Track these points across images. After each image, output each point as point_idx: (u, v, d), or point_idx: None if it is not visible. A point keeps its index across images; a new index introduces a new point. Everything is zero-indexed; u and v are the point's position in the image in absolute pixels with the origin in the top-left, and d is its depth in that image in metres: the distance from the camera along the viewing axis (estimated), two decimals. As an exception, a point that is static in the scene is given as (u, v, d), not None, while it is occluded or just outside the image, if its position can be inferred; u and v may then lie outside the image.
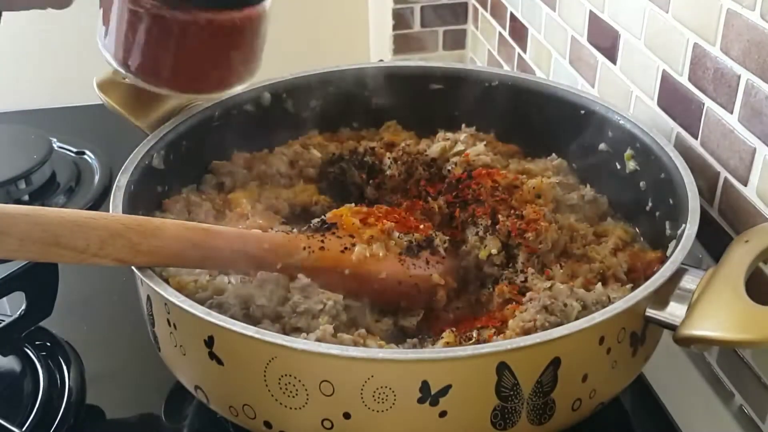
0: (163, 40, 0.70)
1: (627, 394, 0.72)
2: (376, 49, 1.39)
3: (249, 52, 0.74)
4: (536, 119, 0.86)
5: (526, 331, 0.62)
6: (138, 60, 0.72)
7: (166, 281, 0.63)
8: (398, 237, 0.71)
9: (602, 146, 0.81)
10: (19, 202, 0.99)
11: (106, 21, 0.72)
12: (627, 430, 0.73)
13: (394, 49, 1.27)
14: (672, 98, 0.78)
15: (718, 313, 0.58)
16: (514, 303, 0.67)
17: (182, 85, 0.74)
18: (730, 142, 0.70)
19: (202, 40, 0.70)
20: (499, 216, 0.73)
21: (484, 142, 0.85)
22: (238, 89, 0.77)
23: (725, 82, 0.69)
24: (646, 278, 0.64)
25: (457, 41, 1.29)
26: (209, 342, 0.59)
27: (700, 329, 0.58)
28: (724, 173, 0.71)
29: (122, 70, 0.73)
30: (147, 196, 0.74)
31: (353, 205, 0.75)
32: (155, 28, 0.69)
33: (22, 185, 1.01)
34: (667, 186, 0.72)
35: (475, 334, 0.66)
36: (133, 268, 0.62)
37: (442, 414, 0.57)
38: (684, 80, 0.75)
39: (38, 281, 0.77)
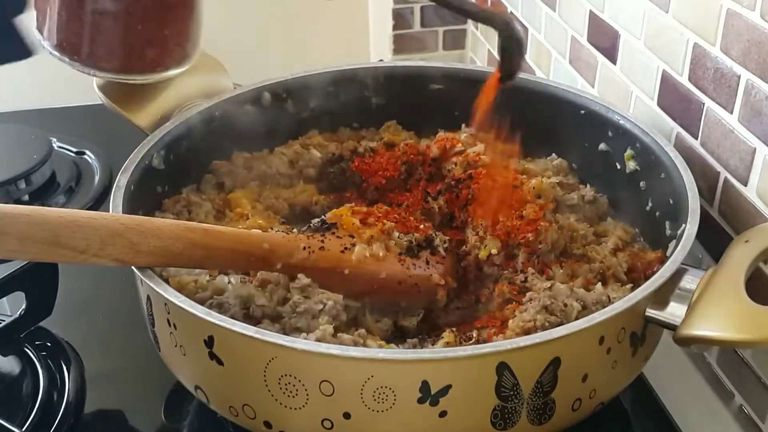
0: (97, 18, 0.71)
1: (627, 394, 0.72)
2: (376, 49, 1.39)
3: (183, 31, 0.76)
4: (536, 119, 0.86)
5: (526, 331, 0.62)
6: (74, 42, 0.73)
7: (166, 281, 0.63)
8: (398, 237, 0.71)
9: (602, 146, 0.81)
10: (19, 202, 0.99)
11: (40, 6, 0.74)
12: (627, 430, 0.73)
13: (394, 49, 1.27)
14: (672, 98, 0.78)
15: (718, 313, 0.58)
16: (514, 303, 0.67)
17: (119, 65, 0.75)
18: (730, 142, 0.70)
19: (135, 16, 0.72)
20: (500, 216, 0.73)
21: (484, 142, 0.84)
22: (173, 73, 0.78)
23: (725, 82, 0.69)
24: (646, 278, 0.64)
25: (457, 41, 1.29)
26: (209, 342, 0.59)
27: (700, 329, 0.58)
28: (724, 173, 0.71)
29: (58, 54, 0.74)
30: (147, 196, 0.74)
31: (353, 205, 0.75)
32: (89, 5, 0.71)
33: (22, 185, 1.01)
34: (667, 186, 0.72)
35: (475, 334, 0.66)
36: (133, 268, 0.62)
37: (442, 414, 0.57)
38: (684, 80, 0.75)
39: (38, 281, 0.77)
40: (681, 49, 0.75)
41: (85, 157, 1.09)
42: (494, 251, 0.72)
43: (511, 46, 0.67)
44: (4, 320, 0.78)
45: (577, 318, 0.63)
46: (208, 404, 0.64)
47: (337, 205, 0.78)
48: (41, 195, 1.01)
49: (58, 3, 0.72)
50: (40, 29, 0.74)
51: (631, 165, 0.78)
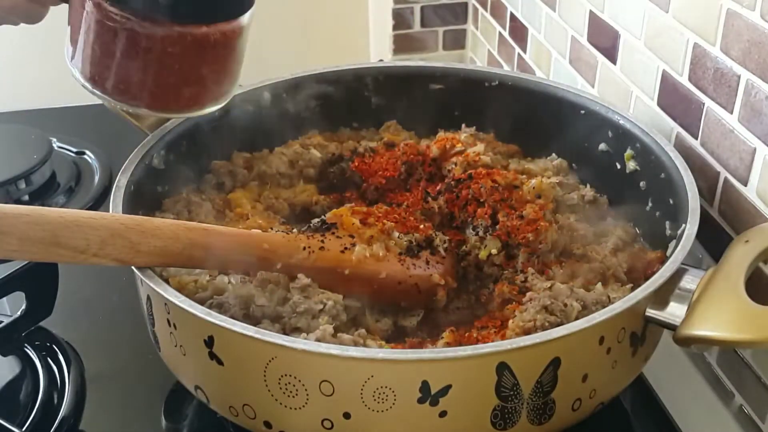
0: (132, 54, 0.67)
1: (627, 394, 0.72)
2: (376, 49, 1.39)
3: (222, 70, 0.71)
4: (536, 119, 0.86)
5: (526, 331, 0.62)
6: (106, 76, 0.69)
7: (166, 281, 0.63)
8: (398, 237, 0.71)
9: (602, 146, 0.81)
10: (19, 202, 0.99)
11: (74, 37, 0.70)
12: (627, 430, 0.73)
13: (394, 49, 1.27)
14: (672, 98, 0.78)
15: (718, 313, 0.58)
16: (514, 303, 0.67)
17: (152, 103, 0.71)
18: (730, 142, 0.70)
19: (172, 55, 0.67)
20: (499, 216, 0.73)
21: (484, 142, 0.85)
22: (210, 110, 0.73)
23: (725, 82, 0.69)
24: (646, 278, 0.64)
25: (457, 41, 1.29)
26: (209, 342, 0.59)
27: (700, 329, 0.58)
28: (724, 173, 0.71)
29: (90, 87, 0.70)
30: (147, 196, 0.74)
31: (353, 205, 0.75)
32: (123, 41, 0.67)
33: (22, 185, 1.01)
34: (667, 186, 0.72)
35: (475, 334, 0.66)
36: (133, 268, 0.62)
37: (442, 414, 0.57)
38: (684, 80, 0.75)
39: (38, 281, 0.77)
40: (681, 49, 0.75)
41: (85, 157, 1.09)
42: (494, 251, 0.72)
43: None
44: (4, 320, 0.78)
45: (577, 318, 0.63)
46: (208, 404, 0.64)
47: (337, 205, 0.78)
48: (41, 195, 1.01)
49: (92, 37, 0.68)
50: (71, 57, 0.71)
51: (631, 165, 0.78)
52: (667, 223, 0.73)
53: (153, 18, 0.66)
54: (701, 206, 0.67)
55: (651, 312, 0.61)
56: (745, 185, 0.69)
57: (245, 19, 0.69)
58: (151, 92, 0.70)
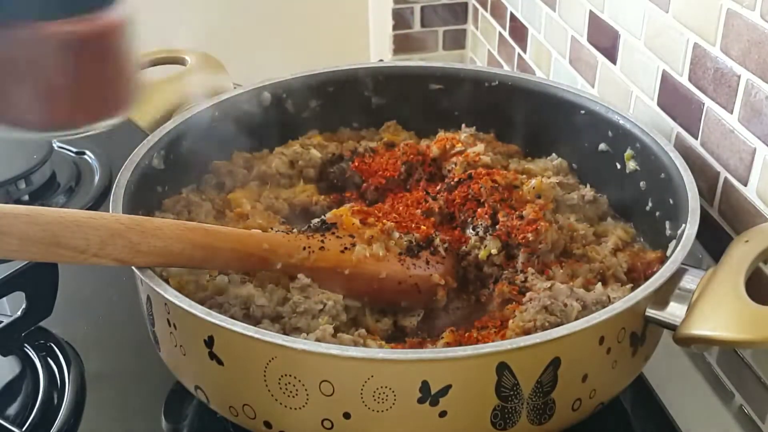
0: None
1: (627, 394, 0.72)
2: (376, 49, 1.39)
3: (102, 77, 0.58)
4: (536, 119, 0.86)
5: (526, 331, 0.62)
6: None
7: (166, 281, 0.63)
8: (398, 237, 0.71)
9: (602, 146, 0.81)
10: (19, 202, 0.99)
11: None
12: (627, 430, 0.73)
13: (394, 49, 1.27)
14: (672, 98, 0.78)
15: (718, 313, 0.58)
16: (514, 303, 0.67)
17: (36, 123, 0.58)
18: (730, 142, 0.70)
19: (38, 63, 0.55)
20: (499, 216, 0.73)
21: (484, 142, 0.85)
22: (112, 122, 0.59)
23: (725, 82, 0.69)
24: (646, 278, 0.64)
25: (457, 41, 1.29)
26: (209, 342, 0.59)
27: (700, 329, 0.58)
28: (724, 173, 0.71)
29: None
30: (147, 196, 0.74)
31: (353, 205, 0.75)
32: None
33: (22, 185, 1.01)
34: (667, 186, 0.72)
35: (475, 334, 0.66)
36: (133, 268, 0.62)
37: (442, 414, 0.57)
38: (684, 80, 0.75)
39: (38, 281, 0.77)
40: (681, 49, 0.75)
41: (85, 157, 1.09)
42: (494, 251, 0.72)
43: None
44: (4, 320, 0.78)
45: (577, 318, 0.63)
46: (208, 404, 0.64)
47: (337, 205, 0.78)
48: (41, 195, 1.01)
49: None
50: None
51: (631, 165, 0.78)
52: (667, 223, 0.73)
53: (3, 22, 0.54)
54: (701, 206, 0.67)
55: (651, 312, 0.61)
56: (745, 185, 0.69)
57: (115, 14, 0.57)
58: (28, 110, 0.58)
